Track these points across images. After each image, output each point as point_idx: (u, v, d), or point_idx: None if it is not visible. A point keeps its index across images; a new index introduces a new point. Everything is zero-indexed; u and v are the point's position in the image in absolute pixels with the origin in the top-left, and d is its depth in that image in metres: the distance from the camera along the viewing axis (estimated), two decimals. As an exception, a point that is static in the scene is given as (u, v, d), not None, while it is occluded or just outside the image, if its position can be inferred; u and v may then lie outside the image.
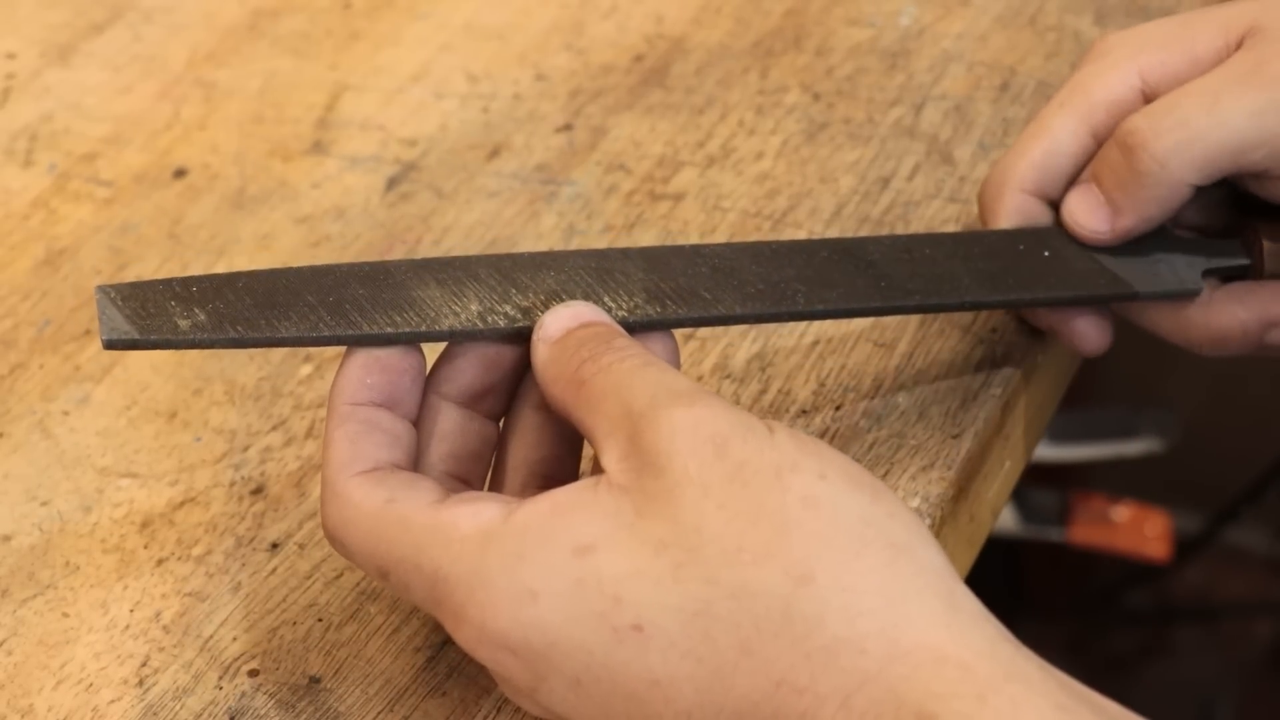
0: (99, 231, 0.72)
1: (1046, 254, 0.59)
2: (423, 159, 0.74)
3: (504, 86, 0.78)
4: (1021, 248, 0.59)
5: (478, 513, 0.47)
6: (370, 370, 0.51)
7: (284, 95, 0.78)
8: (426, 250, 0.69)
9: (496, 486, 0.53)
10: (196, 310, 0.51)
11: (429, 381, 0.52)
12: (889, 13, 0.79)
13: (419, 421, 0.52)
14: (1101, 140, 0.60)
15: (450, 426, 0.52)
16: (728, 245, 0.56)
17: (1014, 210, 0.60)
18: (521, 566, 0.46)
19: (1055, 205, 0.60)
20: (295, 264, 0.69)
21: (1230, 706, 1.57)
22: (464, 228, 0.70)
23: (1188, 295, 0.59)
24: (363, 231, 0.71)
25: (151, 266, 0.70)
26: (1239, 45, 0.58)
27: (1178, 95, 0.57)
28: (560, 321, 0.51)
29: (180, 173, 0.75)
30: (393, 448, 0.50)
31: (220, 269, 0.69)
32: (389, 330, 0.51)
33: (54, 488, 0.61)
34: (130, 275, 0.69)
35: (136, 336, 0.50)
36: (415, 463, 0.52)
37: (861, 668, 0.43)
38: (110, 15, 0.84)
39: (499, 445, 0.53)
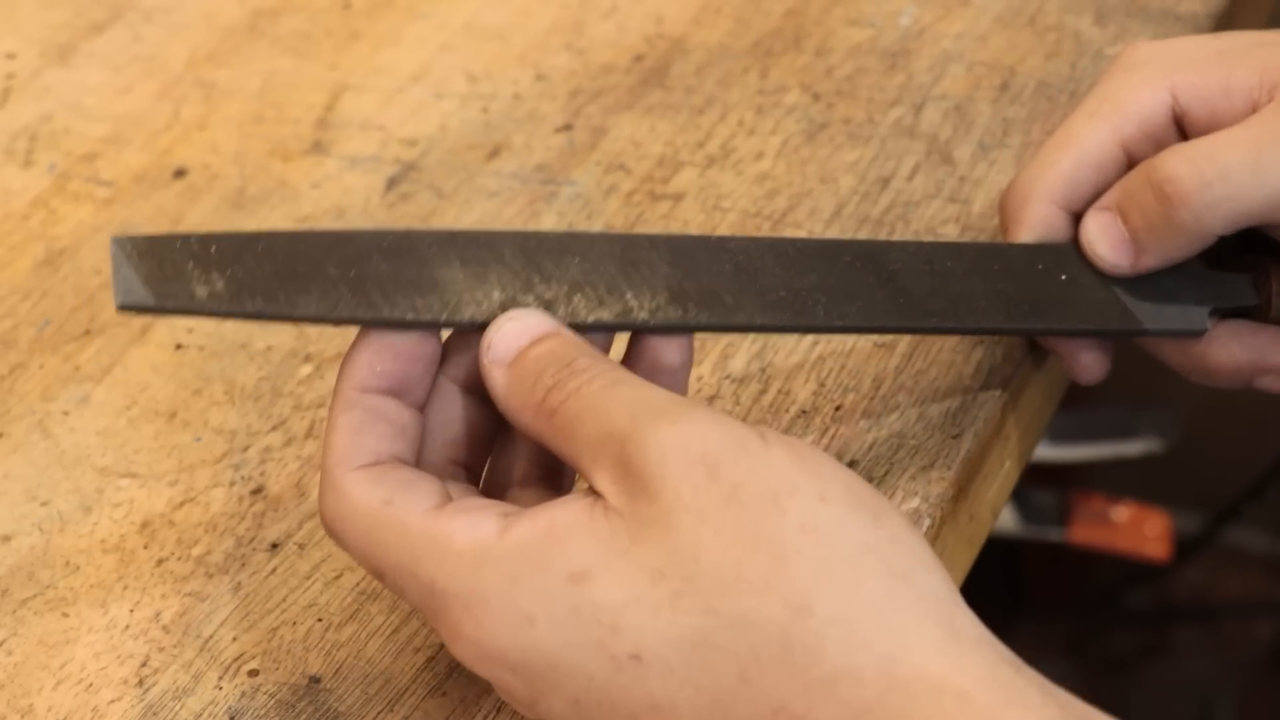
0: (99, 231, 0.72)
1: (1064, 278, 0.58)
2: (423, 159, 0.74)
3: (504, 86, 0.78)
4: (1040, 267, 0.58)
5: (475, 526, 0.46)
6: (382, 357, 0.50)
7: (284, 95, 0.78)
8: (426, 250, 0.69)
9: (497, 475, 0.52)
10: (215, 276, 0.49)
11: (441, 361, 0.52)
12: (889, 13, 0.79)
13: (426, 404, 0.51)
14: (1131, 154, 0.59)
15: (456, 413, 0.52)
16: (753, 241, 0.54)
17: (1039, 221, 0.59)
18: (517, 590, 0.45)
19: (1078, 217, 0.60)
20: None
21: (1230, 706, 1.57)
22: (464, 228, 0.70)
23: (1194, 335, 0.59)
24: (363, 231, 0.71)
25: (151, 266, 0.70)
26: (1271, 96, 0.57)
27: (1218, 144, 0.56)
28: (510, 340, 0.49)
29: (180, 173, 0.75)
30: (396, 440, 0.50)
31: (220, 269, 0.69)
32: (409, 316, 0.50)
33: (54, 488, 0.61)
34: (130, 275, 0.69)
35: (152, 304, 0.48)
36: (420, 451, 0.51)
37: (860, 698, 0.43)
38: (110, 15, 0.84)
39: (502, 434, 0.53)
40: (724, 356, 0.63)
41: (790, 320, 0.54)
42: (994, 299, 0.57)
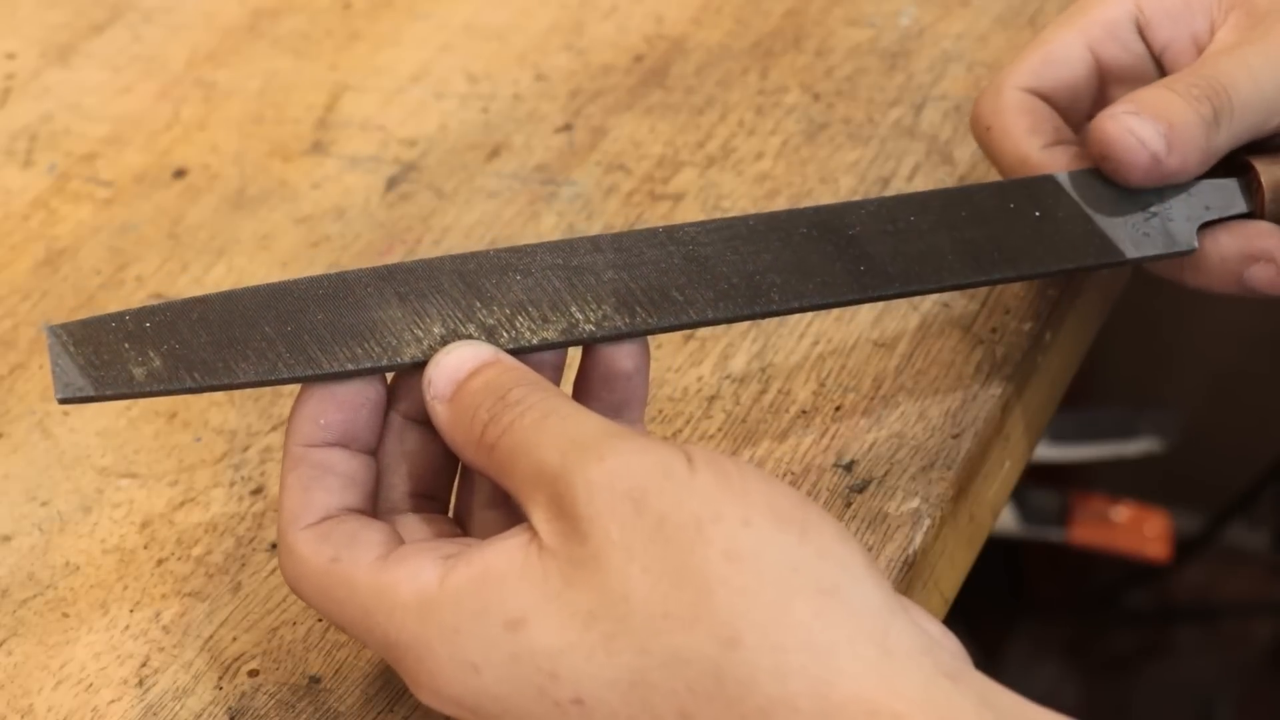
0: (99, 231, 0.72)
1: (1037, 214, 0.57)
2: (423, 159, 0.74)
3: (504, 86, 0.78)
4: (1012, 206, 0.57)
5: (416, 575, 0.47)
6: (325, 408, 0.50)
7: (284, 95, 0.78)
8: (426, 251, 0.69)
9: (464, 498, 0.52)
10: (151, 354, 0.49)
11: (389, 398, 0.52)
12: (889, 13, 0.79)
13: (382, 440, 0.52)
14: (1097, 55, 0.61)
15: (411, 446, 0.52)
16: (702, 227, 0.54)
17: (1015, 106, 0.60)
18: (459, 639, 0.45)
19: (1053, 104, 0.61)
20: (294, 264, 0.69)
21: (1230, 706, 1.57)
22: (464, 228, 0.70)
23: (1180, 255, 0.58)
24: (363, 231, 0.71)
25: (152, 266, 0.70)
26: (1226, 16, 0.60)
27: (1216, 58, 0.58)
28: (447, 374, 0.50)
29: (180, 173, 0.75)
30: (345, 491, 0.50)
31: (220, 269, 0.69)
32: (349, 367, 0.50)
33: (54, 488, 0.61)
34: (130, 275, 0.69)
35: (91, 392, 0.49)
36: (375, 495, 0.51)
37: None
38: (110, 15, 0.84)
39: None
40: (724, 356, 0.63)
41: (744, 309, 0.53)
42: (961, 252, 0.56)
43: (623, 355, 0.52)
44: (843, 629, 0.44)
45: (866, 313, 0.64)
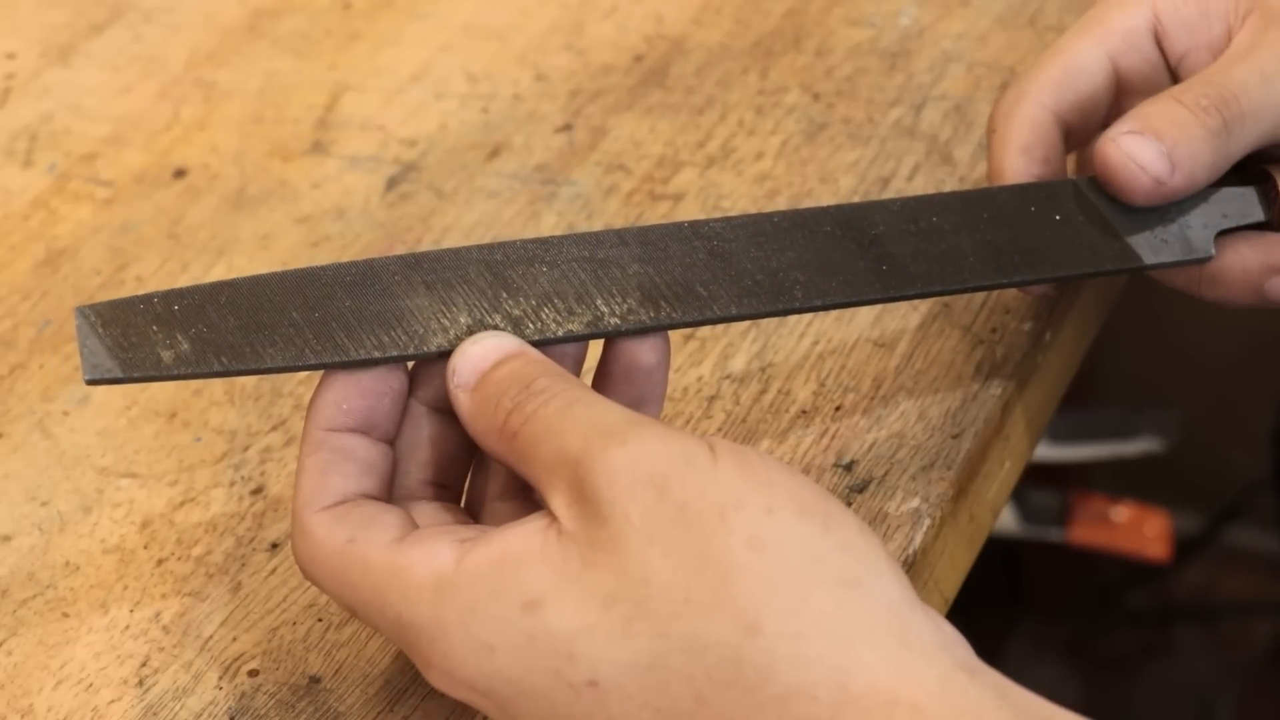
0: (99, 231, 0.72)
1: (1057, 218, 0.57)
2: (423, 159, 0.74)
3: (504, 86, 0.78)
4: (1033, 209, 0.57)
5: (432, 556, 0.47)
6: (348, 394, 0.50)
7: (284, 95, 0.78)
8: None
9: (476, 490, 0.53)
10: (179, 337, 0.49)
11: (410, 386, 0.52)
12: (889, 13, 0.79)
13: (400, 426, 0.52)
14: (1117, 65, 0.61)
15: (429, 434, 0.52)
16: (727, 222, 0.54)
17: (1029, 119, 0.60)
18: (475, 620, 0.45)
19: (1066, 126, 0.61)
20: (294, 265, 0.69)
21: (1230, 706, 1.57)
22: (464, 228, 0.70)
23: (1198, 262, 0.58)
24: (363, 231, 0.71)
25: (152, 266, 0.70)
26: (1244, 20, 0.59)
27: (1226, 66, 0.58)
28: (472, 364, 0.50)
29: (180, 173, 0.75)
30: (362, 477, 0.50)
31: (220, 269, 0.69)
32: (376, 354, 0.50)
33: (54, 488, 0.61)
34: (130, 275, 0.69)
35: (120, 375, 0.49)
36: (390, 484, 0.51)
37: (814, 715, 0.43)
38: (110, 15, 0.84)
39: (479, 450, 0.52)
40: (724, 356, 0.63)
41: (767, 306, 0.53)
42: (982, 253, 0.56)
43: (645, 349, 0.52)
44: (863, 621, 0.44)
45: (866, 313, 0.64)
